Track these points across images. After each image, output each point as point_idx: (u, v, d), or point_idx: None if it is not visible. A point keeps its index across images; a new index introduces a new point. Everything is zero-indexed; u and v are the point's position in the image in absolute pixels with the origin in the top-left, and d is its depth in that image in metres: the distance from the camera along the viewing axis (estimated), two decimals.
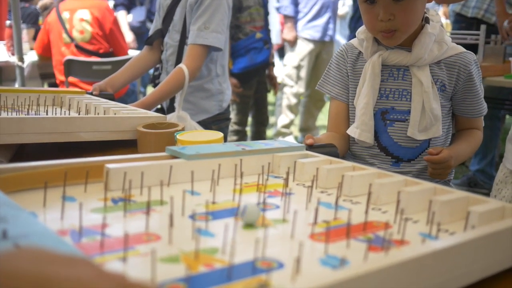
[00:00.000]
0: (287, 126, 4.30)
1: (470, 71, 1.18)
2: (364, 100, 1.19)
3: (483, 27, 2.97)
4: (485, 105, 1.24)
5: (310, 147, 0.96)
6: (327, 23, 4.14)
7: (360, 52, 1.25)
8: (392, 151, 1.22)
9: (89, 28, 3.22)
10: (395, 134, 1.21)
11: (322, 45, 4.19)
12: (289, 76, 4.21)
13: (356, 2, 3.48)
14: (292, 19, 4.08)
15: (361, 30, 1.23)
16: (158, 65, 1.92)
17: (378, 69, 1.19)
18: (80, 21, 3.21)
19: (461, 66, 1.18)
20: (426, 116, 1.16)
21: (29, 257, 0.32)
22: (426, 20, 1.19)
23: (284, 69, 4.28)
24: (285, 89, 4.23)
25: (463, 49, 1.21)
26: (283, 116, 4.27)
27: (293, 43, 4.12)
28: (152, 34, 1.90)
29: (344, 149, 1.26)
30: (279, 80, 3.88)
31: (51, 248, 0.39)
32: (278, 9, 4.11)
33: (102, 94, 1.60)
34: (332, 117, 1.29)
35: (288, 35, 4.12)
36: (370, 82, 1.19)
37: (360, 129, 1.20)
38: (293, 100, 4.25)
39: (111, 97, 1.58)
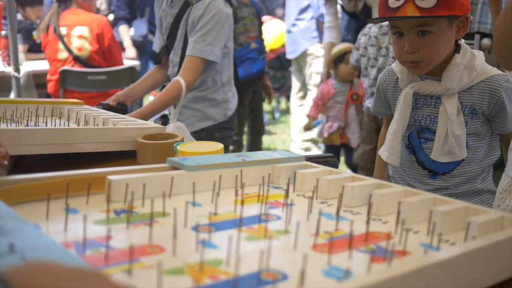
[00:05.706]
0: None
1: (501, 95, 1.24)
2: (394, 127, 1.29)
3: (477, 36, 3.00)
4: None
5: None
6: None
7: (397, 78, 1.32)
8: (428, 165, 1.31)
9: (88, 46, 3.19)
10: (429, 151, 1.29)
11: None
12: None
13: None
14: None
15: None
16: (165, 83, 1.97)
17: (409, 100, 1.27)
18: (78, 38, 3.18)
19: (491, 91, 1.24)
20: (449, 142, 1.24)
21: (44, 272, 0.32)
22: (458, 48, 1.25)
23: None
24: None
25: (494, 72, 1.25)
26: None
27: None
28: (159, 53, 1.97)
29: None
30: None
31: (59, 261, 0.40)
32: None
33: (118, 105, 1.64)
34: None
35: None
36: (401, 111, 1.28)
37: (389, 153, 1.30)
38: None
39: (124, 109, 1.62)
